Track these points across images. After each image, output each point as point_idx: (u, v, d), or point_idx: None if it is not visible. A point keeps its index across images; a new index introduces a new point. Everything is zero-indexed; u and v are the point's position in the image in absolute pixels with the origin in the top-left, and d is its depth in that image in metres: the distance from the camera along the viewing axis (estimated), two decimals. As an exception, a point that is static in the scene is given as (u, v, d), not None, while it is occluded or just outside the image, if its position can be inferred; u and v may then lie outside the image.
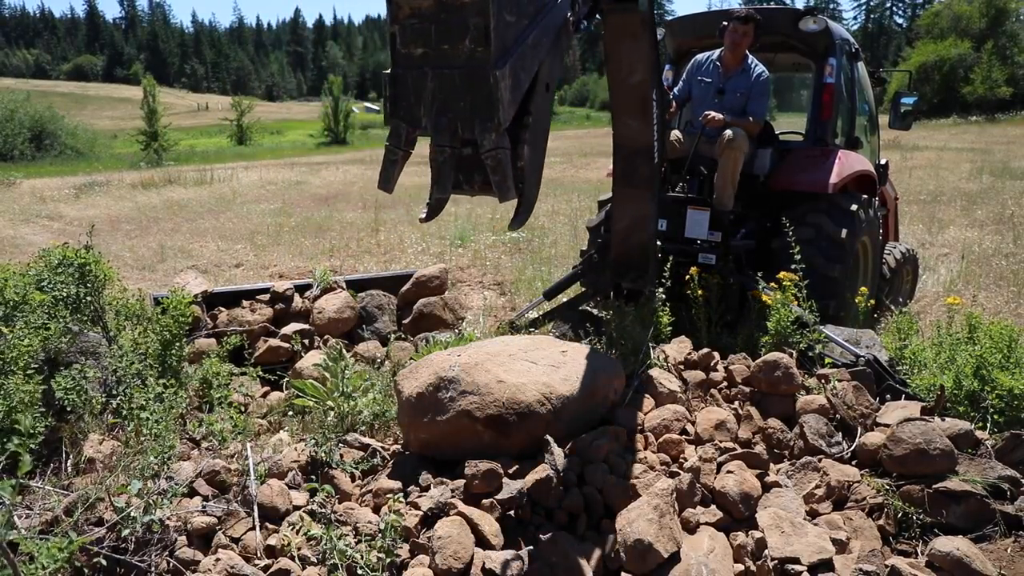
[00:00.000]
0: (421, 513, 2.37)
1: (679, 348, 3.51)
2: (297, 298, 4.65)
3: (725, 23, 4.51)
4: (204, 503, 2.44)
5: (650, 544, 2.07)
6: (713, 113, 4.40)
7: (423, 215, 2.03)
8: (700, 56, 4.73)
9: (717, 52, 4.64)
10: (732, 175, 4.32)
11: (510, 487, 2.45)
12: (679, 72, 5.35)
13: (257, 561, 2.22)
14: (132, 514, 2.19)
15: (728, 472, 2.53)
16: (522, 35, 1.79)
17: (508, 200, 1.93)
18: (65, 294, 3.23)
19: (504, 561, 2.16)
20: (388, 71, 1.80)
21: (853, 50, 5.04)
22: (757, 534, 2.24)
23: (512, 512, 2.42)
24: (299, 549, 2.23)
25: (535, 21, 1.84)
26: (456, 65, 1.67)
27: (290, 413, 3.41)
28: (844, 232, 4.25)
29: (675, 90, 4.88)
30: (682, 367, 3.37)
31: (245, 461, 2.60)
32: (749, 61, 4.55)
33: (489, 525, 2.30)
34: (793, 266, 3.72)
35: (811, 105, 4.92)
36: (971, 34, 44.19)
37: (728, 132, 4.28)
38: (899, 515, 2.41)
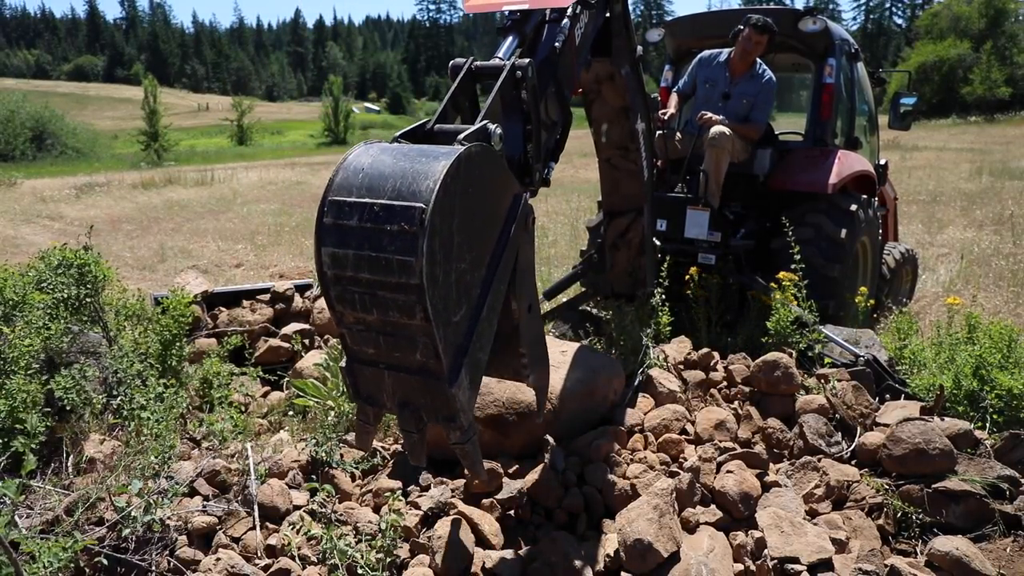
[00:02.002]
0: (421, 513, 2.38)
1: (679, 348, 3.51)
2: (297, 298, 4.65)
3: (741, 27, 4.46)
4: (204, 503, 2.45)
5: (650, 544, 2.08)
6: (708, 113, 4.39)
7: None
8: (706, 54, 4.69)
9: (725, 53, 4.60)
10: (717, 171, 4.29)
11: (510, 487, 2.46)
12: (679, 72, 5.35)
13: (257, 561, 2.22)
14: (133, 514, 2.19)
15: (728, 472, 2.53)
16: (475, 313, 1.65)
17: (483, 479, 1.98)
18: (65, 294, 3.23)
19: (504, 561, 2.17)
20: (343, 362, 1.68)
21: (852, 50, 5.04)
22: (757, 534, 2.24)
23: (512, 512, 2.43)
24: (299, 549, 2.24)
25: (489, 279, 1.70)
26: (411, 371, 1.58)
27: (290, 413, 3.42)
28: (843, 232, 4.25)
29: (680, 85, 4.86)
30: (682, 367, 3.37)
31: (245, 461, 2.60)
32: (757, 66, 4.52)
33: (489, 525, 2.31)
34: (793, 266, 3.72)
35: (811, 105, 4.92)
36: (970, 34, 44.22)
37: (713, 130, 4.24)
38: (898, 515, 2.41)
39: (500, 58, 2.10)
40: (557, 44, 2.29)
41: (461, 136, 1.66)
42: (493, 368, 2.03)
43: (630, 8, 3.08)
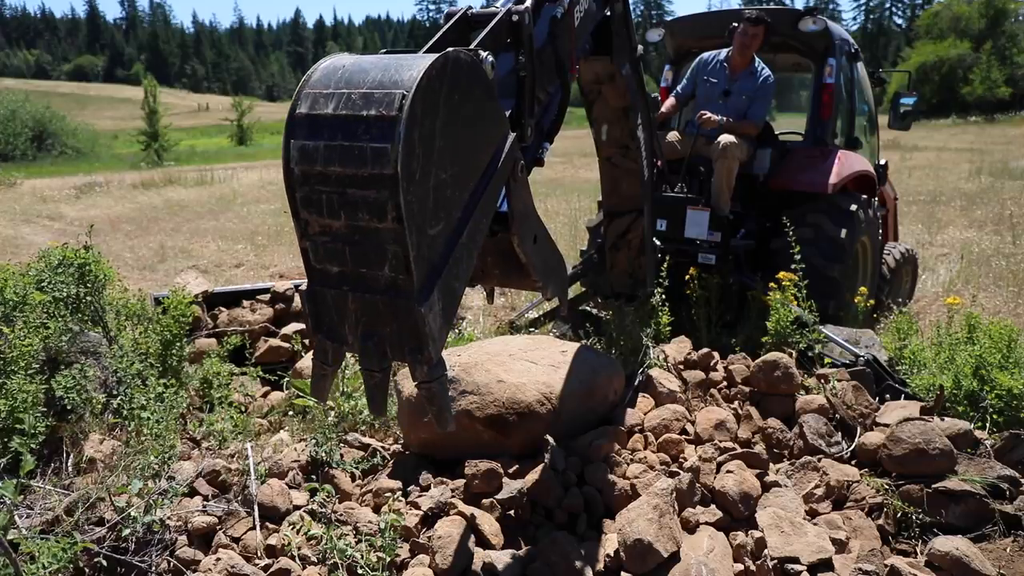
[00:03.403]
0: (421, 513, 2.38)
1: (679, 348, 3.51)
2: (297, 298, 4.65)
3: (735, 24, 4.50)
4: (204, 503, 2.45)
5: (650, 544, 2.07)
6: (708, 114, 4.40)
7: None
8: (706, 55, 4.72)
9: (724, 52, 4.63)
10: (727, 181, 4.34)
11: (510, 487, 2.46)
12: (679, 72, 5.35)
13: (257, 561, 2.22)
14: (133, 514, 2.19)
15: (728, 472, 2.53)
16: (453, 236, 1.51)
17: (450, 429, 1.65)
18: (65, 294, 3.23)
19: (504, 561, 2.17)
20: (304, 286, 1.55)
21: (852, 50, 5.04)
22: (757, 534, 2.24)
23: (512, 512, 2.43)
24: (299, 549, 2.24)
25: (471, 206, 1.57)
26: (377, 290, 1.43)
27: (290, 413, 3.42)
28: (843, 232, 4.25)
29: (678, 88, 4.87)
30: (682, 367, 3.37)
31: (245, 461, 2.60)
32: (756, 64, 4.54)
33: (489, 525, 2.31)
34: (793, 266, 3.73)
35: (811, 105, 4.92)
36: (970, 34, 44.26)
37: (723, 139, 4.28)
38: (898, 515, 2.41)
39: (497, 6, 1.98)
40: (557, 13, 2.22)
41: (451, 48, 1.52)
42: (511, 280, 2.00)
43: (631, 8, 3.08)
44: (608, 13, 2.80)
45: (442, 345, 1.53)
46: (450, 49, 1.45)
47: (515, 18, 1.87)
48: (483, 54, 1.60)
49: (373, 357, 1.50)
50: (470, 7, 1.95)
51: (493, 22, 1.84)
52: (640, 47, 3.17)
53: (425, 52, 1.70)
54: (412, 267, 1.38)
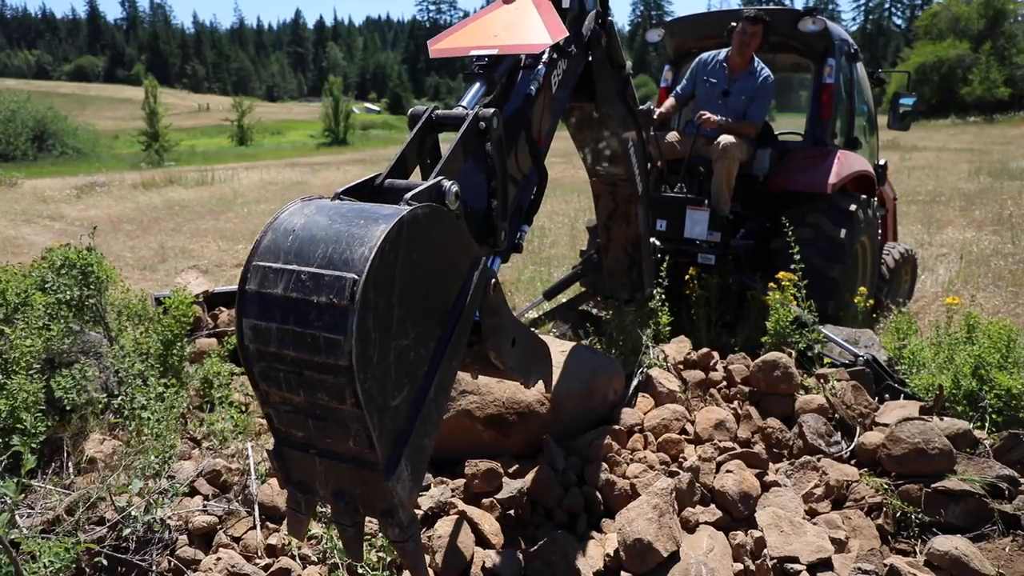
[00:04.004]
0: (421, 512, 2.38)
1: (679, 348, 3.52)
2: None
3: (734, 24, 4.51)
4: (205, 502, 2.45)
5: (650, 543, 2.08)
6: (708, 114, 4.41)
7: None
8: (706, 55, 4.73)
9: (724, 52, 4.63)
10: (727, 182, 4.35)
11: (510, 486, 2.46)
12: (679, 73, 5.36)
13: (258, 560, 2.23)
14: (133, 513, 2.20)
15: (727, 471, 2.54)
16: (420, 395, 1.45)
17: None
18: (68, 296, 3.24)
19: (504, 560, 2.17)
20: (271, 446, 1.49)
21: (852, 51, 5.05)
22: (756, 533, 2.25)
23: (512, 511, 2.43)
24: (300, 548, 2.24)
25: (439, 355, 1.49)
26: (344, 459, 1.39)
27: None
28: (843, 232, 4.26)
29: (678, 88, 4.88)
30: (681, 367, 3.38)
31: (246, 460, 2.61)
32: (755, 63, 4.55)
33: (489, 524, 2.31)
34: (792, 266, 3.73)
35: (810, 105, 4.93)
36: (969, 35, 44.28)
37: (723, 139, 4.28)
38: (898, 514, 2.41)
39: (464, 107, 1.89)
40: (531, 90, 2.11)
41: (409, 195, 1.47)
42: (490, 374, 1.95)
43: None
44: (590, 59, 2.65)
45: (413, 504, 1.50)
46: (405, 209, 1.35)
47: (482, 125, 1.79)
48: (446, 185, 1.54)
49: (345, 514, 1.46)
50: (436, 107, 1.88)
51: (459, 134, 1.76)
52: (629, 68, 3.09)
53: (387, 175, 1.65)
54: (376, 444, 1.33)
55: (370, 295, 1.25)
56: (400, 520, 1.42)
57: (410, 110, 1.90)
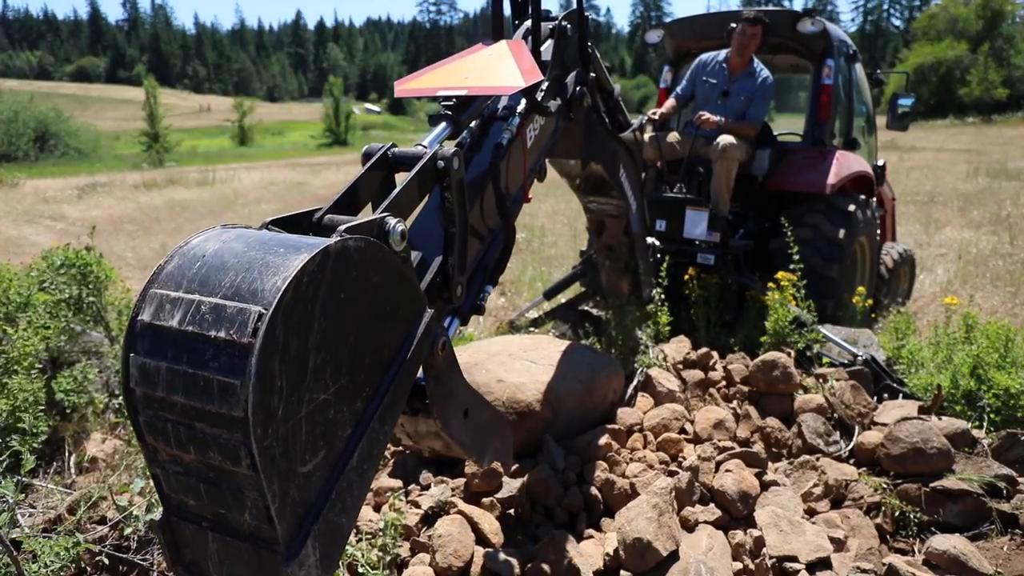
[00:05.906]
0: (421, 511, 2.39)
1: (678, 348, 3.53)
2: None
3: (733, 25, 4.52)
4: (206, 502, 2.45)
5: (649, 542, 2.09)
6: (707, 114, 4.42)
7: None
8: (706, 56, 4.74)
9: (723, 53, 4.64)
10: (727, 182, 4.36)
11: (510, 486, 2.47)
12: (678, 74, 5.37)
13: (259, 559, 2.23)
14: (135, 513, 2.20)
15: (727, 471, 2.54)
16: (340, 462, 1.20)
17: None
18: (67, 295, 3.25)
19: (504, 560, 2.18)
20: (158, 515, 1.24)
21: (851, 52, 5.06)
22: (755, 532, 2.26)
23: (512, 511, 2.44)
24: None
25: (367, 417, 1.25)
26: (240, 536, 1.15)
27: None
28: (842, 232, 4.27)
29: (678, 89, 4.89)
30: (681, 366, 3.39)
31: (246, 460, 2.61)
32: (755, 64, 4.56)
33: (489, 524, 2.32)
34: (791, 266, 3.74)
35: (809, 106, 4.94)
36: (968, 36, 44.27)
37: (722, 140, 4.29)
38: (896, 513, 2.42)
39: (424, 145, 1.68)
40: (503, 140, 1.92)
41: (344, 227, 1.24)
42: (442, 446, 1.68)
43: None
44: (571, 118, 2.44)
45: None
46: (335, 238, 1.14)
47: (440, 164, 1.56)
48: (391, 223, 1.32)
49: None
50: (393, 145, 1.67)
51: (413, 171, 1.54)
52: (618, 88, 3.05)
53: (327, 210, 1.43)
54: (274, 518, 1.09)
55: (278, 333, 1.04)
56: None
57: (364, 147, 1.69)
